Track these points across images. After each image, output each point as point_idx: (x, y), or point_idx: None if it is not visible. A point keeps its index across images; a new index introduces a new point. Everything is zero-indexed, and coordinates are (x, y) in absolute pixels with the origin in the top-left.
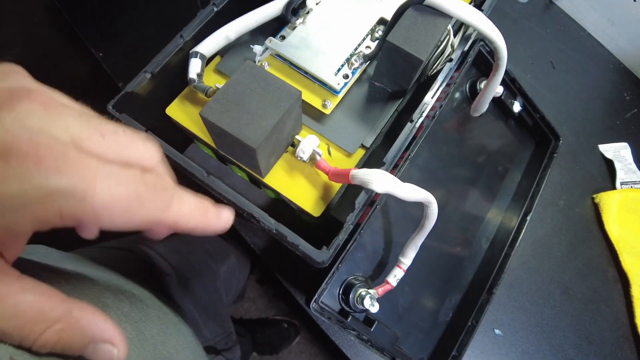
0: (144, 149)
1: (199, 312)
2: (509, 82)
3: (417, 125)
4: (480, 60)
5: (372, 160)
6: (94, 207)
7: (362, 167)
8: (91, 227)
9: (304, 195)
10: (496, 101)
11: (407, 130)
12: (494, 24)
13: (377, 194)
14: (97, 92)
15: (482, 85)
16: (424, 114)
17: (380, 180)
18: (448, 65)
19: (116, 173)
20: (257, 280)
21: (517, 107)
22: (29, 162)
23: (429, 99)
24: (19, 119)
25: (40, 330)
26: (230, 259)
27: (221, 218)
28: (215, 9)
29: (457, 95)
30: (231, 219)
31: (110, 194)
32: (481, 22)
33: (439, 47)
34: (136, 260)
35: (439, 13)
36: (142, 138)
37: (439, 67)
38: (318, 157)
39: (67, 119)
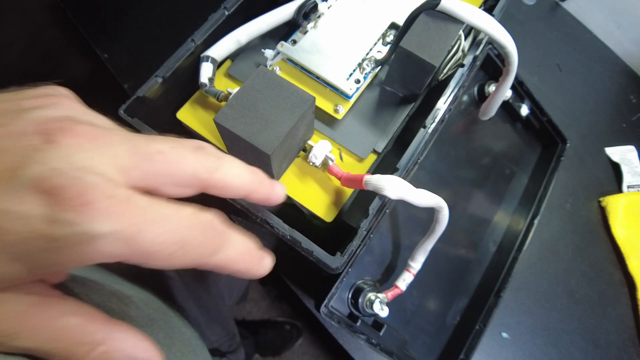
0: (196, 162)
1: (202, 314)
2: (516, 85)
3: (430, 131)
4: (488, 63)
5: (383, 165)
6: (138, 251)
7: (374, 172)
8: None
9: (316, 200)
10: (504, 104)
11: (420, 136)
12: (502, 24)
13: (388, 199)
14: (101, 93)
15: (490, 89)
16: (437, 120)
17: (394, 187)
18: (460, 70)
19: (164, 216)
20: (260, 281)
21: (524, 110)
22: (77, 206)
23: (442, 105)
24: (66, 156)
25: (85, 352)
26: None
27: (262, 265)
28: (227, 13)
29: (465, 98)
30: (270, 267)
31: (155, 240)
32: (493, 28)
33: (450, 52)
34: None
35: (451, 19)
36: (191, 148)
37: (449, 72)
38: (330, 163)
39: (114, 149)
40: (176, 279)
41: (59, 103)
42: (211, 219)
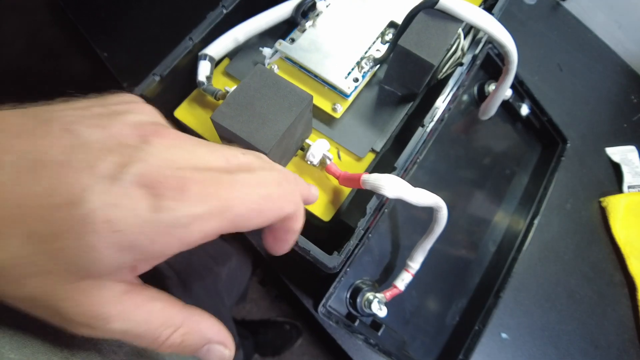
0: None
1: None
2: (516, 84)
3: (428, 130)
4: (488, 62)
5: (382, 164)
6: (232, 219)
7: (372, 171)
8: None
9: None
10: (504, 104)
11: (419, 135)
12: (502, 24)
13: (386, 198)
14: (100, 91)
15: (489, 88)
16: (435, 119)
17: (392, 186)
18: (459, 69)
19: (246, 181)
20: (259, 281)
21: (524, 110)
22: (177, 194)
23: (440, 104)
24: (160, 154)
25: (169, 334)
26: (232, 261)
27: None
28: (225, 11)
29: (465, 97)
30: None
31: (244, 203)
32: (492, 27)
33: (449, 50)
34: None
35: (450, 17)
36: (256, 156)
37: (449, 71)
38: (328, 162)
39: (199, 150)
40: (175, 279)
41: (143, 109)
42: (280, 172)
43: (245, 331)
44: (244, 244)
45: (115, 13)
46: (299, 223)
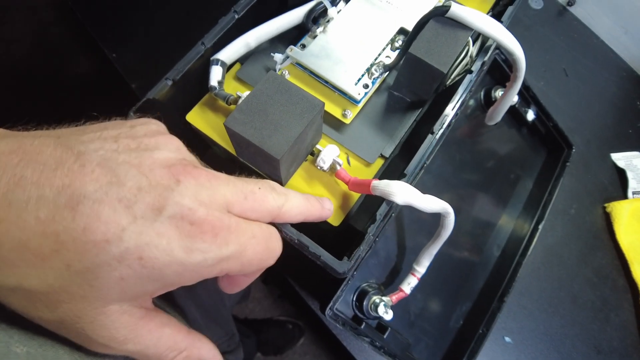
0: (272, 201)
1: (201, 314)
2: (523, 90)
3: (438, 137)
4: (494, 67)
5: (390, 169)
6: (242, 264)
7: (381, 177)
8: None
9: None
10: (510, 109)
11: (428, 142)
12: (508, 29)
13: (395, 204)
14: (108, 92)
15: (496, 94)
16: (444, 126)
17: (402, 193)
18: (468, 77)
19: (257, 233)
20: (262, 280)
21: (530, 115)
22: (208, 237)
23: (450, 111)
24: (193, 195)
25: (173, 357)
26: None
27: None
28: (237, 16)
29: (471, 102)
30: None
31: (254, 253)
32: (501, 35)
33: (458, 57)
34: None
35: (460, 25)
36: (270, 189)
37: (457, 78)
38: (338, 167)
39: (222, 189)
40: None
41: (170, 144)
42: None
43: (247, 330)
44: None
45: (123, 14)
46: (259, 275)
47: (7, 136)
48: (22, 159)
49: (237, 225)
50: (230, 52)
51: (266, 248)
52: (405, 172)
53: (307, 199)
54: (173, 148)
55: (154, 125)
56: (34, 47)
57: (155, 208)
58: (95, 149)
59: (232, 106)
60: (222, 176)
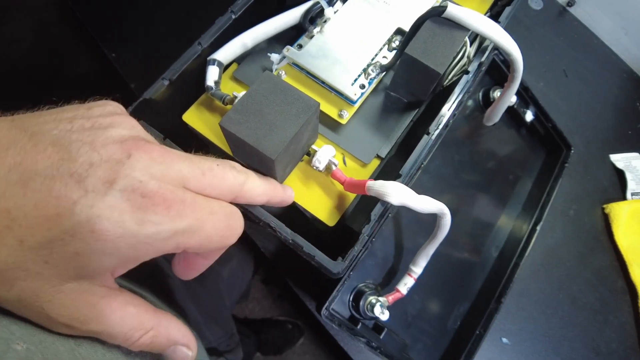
0: (232, 178)
1: (201, 314)
2: (521, 90)
3: (434, 137)
4: (493, 68)
5: (387, 170)
6: (201, 240)
7: (377, 177)
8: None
9: (319, 204)
10: (509, 110)
11: (424, 143)
12: (508, 30)
13: (390, 204)
14: (107, 92)
15: (495, 94)
16: (441, 126)
17: (397, 193)
18: (465, 77)
19: (217, 210)
20: (262, 280)
21: (529, 116)
22: (161, 209)
23: (446, 111)
24: (144, 168)
25: (139, 336)
26: (233, 261)
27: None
28: (234, 16)
29: (469, 103)
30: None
31: (213, 229)
32: (499, 36)
33: (455, 58)
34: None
35: (457, 25)
36: (229, 167)
37: (454, 78)
38: (334, 167)
39: (177, 164)
40: (176, 278)
41: (125, 122)
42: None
43: (247, 330)
44: (246, 243)
45: (123, 14)
46: (221, 253)
47: None
48: None
49: (192, 200)
50: (227, 52)
51: (227, 226)
52: (400, 172)
53: (268, 181)
54: (128, 126)
55: (111, 107)
56: (35, 47)
57: (107, 181)
58: (49, 129)
59: (229, 106)
60: (178, 152)
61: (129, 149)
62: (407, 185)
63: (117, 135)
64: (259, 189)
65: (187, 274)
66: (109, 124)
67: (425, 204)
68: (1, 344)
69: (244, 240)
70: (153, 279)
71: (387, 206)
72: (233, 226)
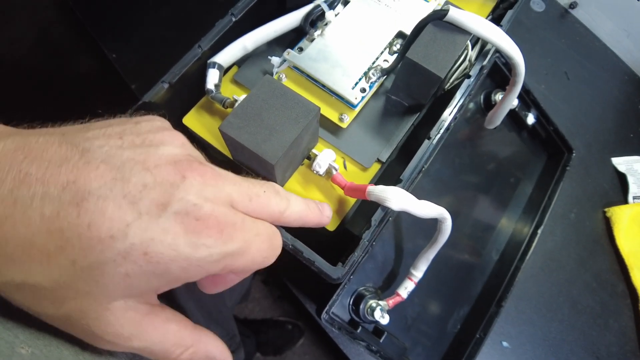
0: (275, 204)
1: (202, 314)
2: (523, 93)
3: (435, 142)
4: (495, 71)
5: (387, 174)
6: (246, 261)
7: (378, 181)
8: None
9: None
10: (510, 113)
11: (425, 148)
12: (509, 32)
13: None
14: (108, 93)
15: (496, 97)
16: (442, 131)
17: (397, 198)
18: (466, 81)
19: (262, 231)
20: (263, 280)
21: (530, 119)
22: (213, 233)
23: (447, 116)
24: (198, 191)
25: (180, 353)
26: None
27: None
28: (234, 19)
29: (471, 105)
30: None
31: (258, 251)
32: (500, 39)
33: (457, 61)
34: None
35: (458, 29)
36: (274, 192)
37: (456, 82)
38: (334, 172)
39: (228, 188)
40: None
41: (175, 140)
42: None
43: (247, 330)
44: None
45: (123, 15)
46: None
47: (12, 134)
48: (27, 156)
49: (242, 222)
50: (228, 55)
51: (270, 246)
52: (401, 177)
53: (307, 205)
54: (178, 144)
55: (159, 122)
56: (35, 47)
57: (160, 204)
58: (99, 146)
59: (229, 109)
60: (229, 175)
61: (183, 170)
62: (407, 190)
63: (169, 154)
64: (297, 215)
65: (215, 289)
66: (159, 141)
67: (426, 209)
68: (6, 348)
69: None
70: None
71: (387, 211)
72: (275, 246)
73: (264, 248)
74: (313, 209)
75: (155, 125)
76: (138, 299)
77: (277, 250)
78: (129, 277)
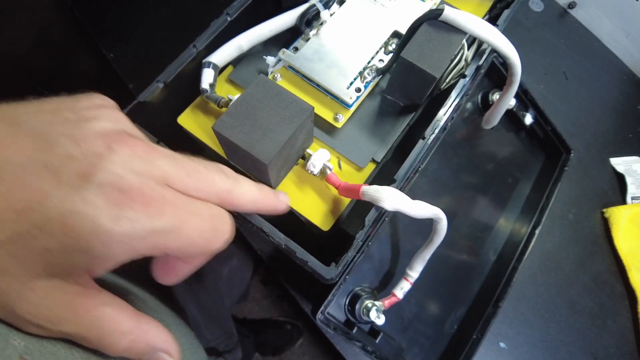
0: (220, 182)
1: (200, 313)
2: (521, 94)
3: (429, 142)
4: (492, 70)
5: (382, 174)
6: (181, 241)
7: (373, 181)
8: (171, 260)
9: (313, 208)
10: (508, 113)
11: (419, 148)
12: (508, 32)
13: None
14: (106, 92)
15: (494, 97)
16: (437, 131)
17: (391, 198)
18: (462, 81)
19: (202, 211)
20: (261, 280)
21: (528, 119)
22: (139, 206)
23: (442, 115)
24: (125, 163)
25: (116, 340)
26: (233, 260)
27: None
28: (229, 19)
29: (468, 105)
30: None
31: (195, 231)
32: (496, 39)
33: (452, 61)
34: (140, 262)
35: (453, 29)
36: (217, 170)
37: (452, 82)
38: (328, 171)
39: (161, 161)
40: None
41: (111, 115)
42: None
43: (246, 330)
44: (245, 243)
45: (122, 15)
46: (206, 260)
47: None
48: None
49: (175, 198)
50: (223, 55)
51: (212, 228)
52: (395, 177)
53: (259, 188)
54: (112, 118)
55: (98, 99)
56: (35, 46)
57: (83, 175)
58: (28, 120)
59: (224, 109)
60: (163, 149)
61: (110, 142)
62: (403, 190)
63: (101, 128)
64: (249, 197)
65: (167, 279)
66: (94, 116)
67: (420, 209)
68: (0, 340)
69: (243, 239)
70: (153, 278)
71: (381, 211)
72: (219, 230)
73: (203, 228)
74: (267, 192)
75: (94, 103)
76: (66, 279)
77: (224, 235)
78: (49, 253)
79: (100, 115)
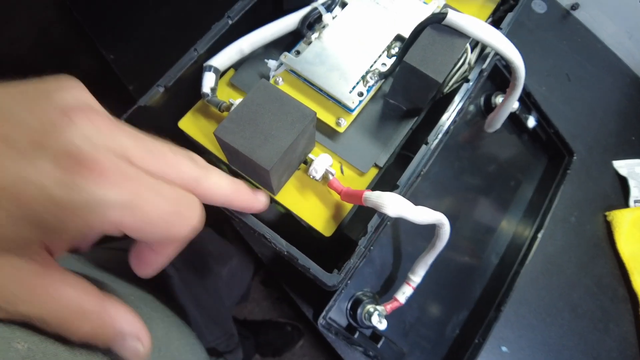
0: (188, 169)
1: (201, 314)
2: (524, 96)
3: (432, 147)
4: (495, 73)
5: (385, 179)
6: (138, 220)
7: (375, 187)
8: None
9: (316, 214)
10: (510, 115)
11: (422, 153)
12: (510, 34)
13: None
14: (106, 94)
15: (496, 100)
16: (440, 135)
17: (394, 205)
18: (465, 85)
19: (166, 192)
20: (262, 281)
21: (531, 122)
22: (93, 175)
23: (445, 120)
24: (83, 135)
25: (79, 323)
26: (233, 261)
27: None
28: (230, 22)
29: (471, 108)
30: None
31: (155, 210)
32: (500, 43)
33: (456, 65)
34: None
35: (457, 33)
36: (186, 157)
37: (455, 86)
38: (331, 177)
39: (123, 138)
40: (176, 278)
41: (77, 93)
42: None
43: (246, 331)
44: (245, 244)
45: (121, 16)
46: (177, 251)
47: None
48: None
49: (136, 174)
50: (224, 59)
51: (175, 211)
52: (398, 183)
53: (232, 183)
54: (76, 94)
55: (66, 80)
56: (35, 46)
57: (38, 143)
58: None
59: (225, 113)
60: (129, 128)
61: (71, 114)
62: (405, 194)
63: (62, 101)
64: (219, 190)
65: (140, 270)
66: (57, 93)
67: (423, 215)
68: (3, 343)
69: (243, 241)
70: (154, 279)
71: (384, 217)
72: (184, 214)
73: (165, 210)
74: (241, 189)
75: (62, 84)
76: (21, 256)
77: (189, 220)
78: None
79: (64, 93)
